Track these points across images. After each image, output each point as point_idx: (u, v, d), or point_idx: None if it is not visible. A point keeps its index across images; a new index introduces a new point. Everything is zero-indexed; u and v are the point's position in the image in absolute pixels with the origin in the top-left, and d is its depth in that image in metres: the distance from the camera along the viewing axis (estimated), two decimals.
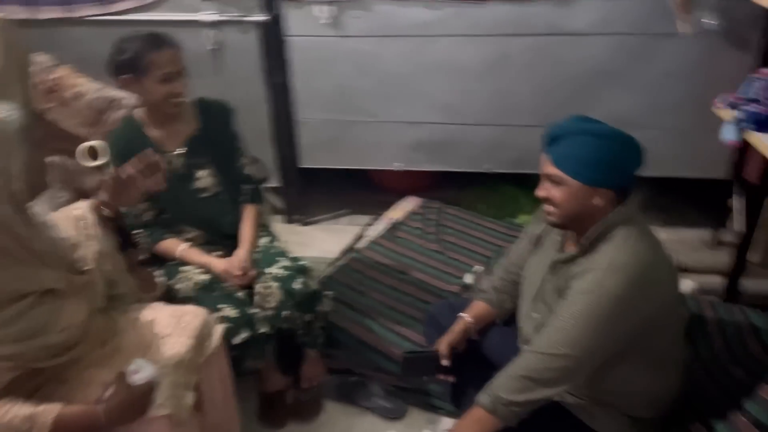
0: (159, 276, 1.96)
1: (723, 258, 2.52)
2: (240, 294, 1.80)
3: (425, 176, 3.03)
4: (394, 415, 1.99)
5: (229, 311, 1.71)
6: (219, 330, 1.66)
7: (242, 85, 2.72)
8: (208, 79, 2.70)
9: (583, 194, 1.38)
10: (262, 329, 1.75)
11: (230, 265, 1.83)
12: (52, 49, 2.56)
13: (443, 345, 1.70)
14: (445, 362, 1.69)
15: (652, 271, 1.38)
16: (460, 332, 1.73)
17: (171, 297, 1.83)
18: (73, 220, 1.68)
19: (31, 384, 1.31)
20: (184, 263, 1.88)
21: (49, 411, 1.19)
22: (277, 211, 3.09)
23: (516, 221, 2.90)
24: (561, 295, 1.46)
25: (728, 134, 1.90)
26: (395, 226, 2.77)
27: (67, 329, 1.34)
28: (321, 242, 2.90)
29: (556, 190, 1.41)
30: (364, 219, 3.04)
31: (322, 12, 2.51)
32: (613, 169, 1.37)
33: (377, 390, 2.05)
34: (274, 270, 1.82)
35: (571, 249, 1.48)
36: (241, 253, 1.88)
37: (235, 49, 2.65)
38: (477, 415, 1.46)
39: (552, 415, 1.46)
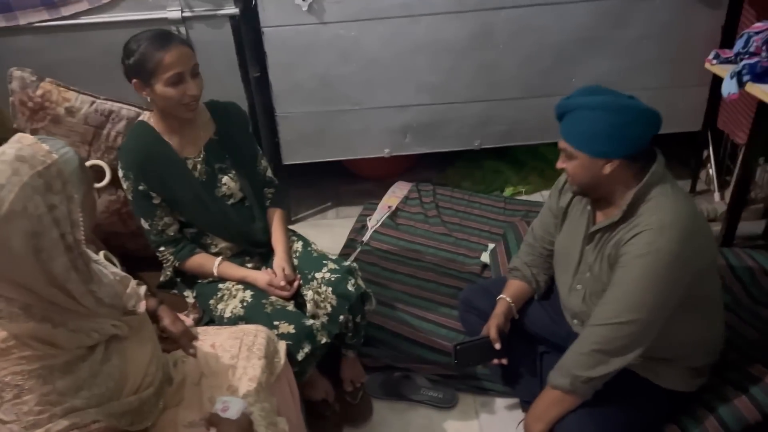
0: (189, 297, 1.83)
1: (707, 205, 2.67)
2: (290, 306, 1.70)
3: (403, 160, 2.98)
4: (447, 404, 1.97)
5: (287, 327, 1.61)
6: (283, 346, 1.56)
7: (218, 83, 2.51)
8: None
9: (591, 165, 1.42)
10: (324, 340, 1.66)
11: (273, 276, 1.73)
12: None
13: (492, 330, 1.69)
14: (498, 346, 1.68)
15: (696, 221, 1.42)
16: (503, 314, 1.73)
17: (213, 320, 1.71)
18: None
19: None
20: (220, 280, 1.76)
21: None
22: None
23: (506, 194, 2.92)
24: (613, 263, 1.47)
25: (730, 88, 1.98)
26: (395, 213, 2.72)
27: (135, 374, 1.22)
28: (314, 239, 2.79)
29: (569, 162, 1.45)
30: (350, 210, 2.97)
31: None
32: (614, 140, 1.39)
33: (423, 381, 2.01)
34: (323, 274, 1.73)
35: (607, 217, 1.50)
36: (281, 262, 1.77)
37: (208, 45, 2.46)
38: (555, 396, 1.48)
39: (618, 378, 1.49)
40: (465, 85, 2.63)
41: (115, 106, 1.79)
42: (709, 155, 2.80)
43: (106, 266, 1.32)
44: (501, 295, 1.78)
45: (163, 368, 1.36)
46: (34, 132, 1.74)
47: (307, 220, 2.97)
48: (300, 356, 1.60)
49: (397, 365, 2.04)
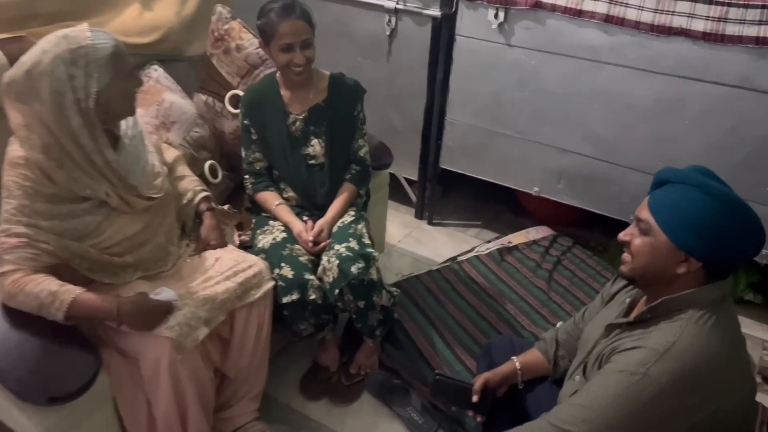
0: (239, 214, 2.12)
1: None
2: (304, 258, 1.87)
3: (572, 209, 2.81)
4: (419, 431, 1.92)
5: (287, 271, 1.80)
6: (268, 285, 1.75)
7: (407, 74, 2.78)
8: (379, 62, 2.82)
9: (667, 254, 1.18)
10: (312, 296, 1.80)
11: (305, 228, 1.92)
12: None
13: (479, 381, 1.59)
14: (475, 398, 1.58)
15: (713, 366, 1.14)
16: (503, 375, 1.60)
17: (251, 245, 1.97)
18: (169, 152, 1.91)
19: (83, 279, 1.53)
20: (274, 218, 2.01)
21: (71, 291, 1.38)
22: (410, 203, 3.12)
23: None
24: (600, 365, 1.28)
25: None
26: (508, 250, 2.62)
27: (113, 238, 1.53)
28: (437, 244, 2.87)
29: (640, 238, 1.22)
30: (492, 236, 2.94)
31: (495, 17, 2.45)
32: (717, 241, 1.14)
33: (415, 401, 1.99)
34: (341, 248, 1.86)
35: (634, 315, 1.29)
36: (323, 223, 1.95)
37: (409, 38, 2.71)
38: None
39: None
40: (636, 149, 2.38)
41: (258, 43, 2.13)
42: None
43: (152, 155, 1.68)
44: (514, 357, 1.67)
45: (158, 253, 1.68)
46: (211, 55, 2.21)
47: (447, 227, 3.04)
48: (286, 300, 1.77)
49: (402, 374, 2.05)
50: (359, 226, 1.98)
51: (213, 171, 2.15)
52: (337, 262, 1.82)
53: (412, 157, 2.93)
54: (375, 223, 2.45)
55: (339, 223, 2.00)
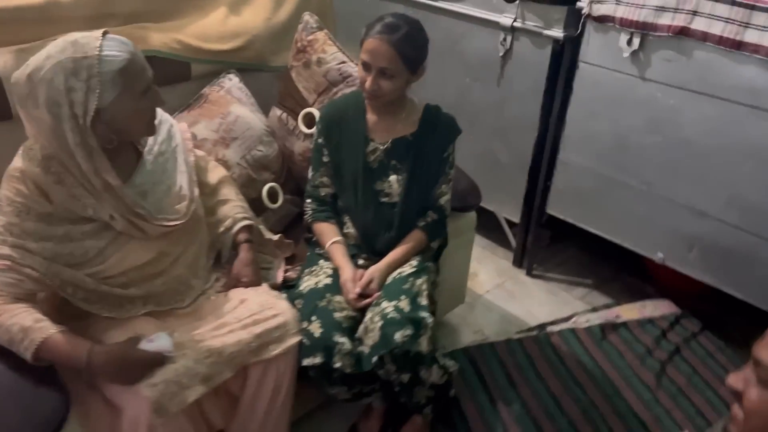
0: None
1: None
2: (341, 315, 1.59)
3: (711, 287, 2.26)
4: None
5: (315, 327, 1.53)
6: (291, 341, 1.49)
7: (519, 102, 2.41)
8: (489, 85, 2.50)
9: None
10: (338, 364, 1.51)
11: (352, 277, 1.64)
12: (359, 17, 2.68)
13: None
14: None
15: None
16: None
17: (294, 285, 1.74)
18: (215, 172, 1.72)
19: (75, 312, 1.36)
20: (327, 257, 1.76)
21: (44, 330, 1.22)
22: (510, 249, 2.73)
23: None
24: None
25: None
26: (614, 326, 2.15)
27: (116, 267, 1.35)
28: (533, 302, 2.46)
29: (759, 390, 0.84)
30: (600, 299, 2.47)
31: (628, 43, 2.01)
32: None
33: None
34: (388, 307, 1.56)
35: None
36: (374, 272, 1.66)
37: (524, 61, 2.35)
38: None
39: None
40: None
41: (356, 73, 1.89)
42: None
43: (181, 175, 1.49)
44: None
45: (174, 287, 1.48)
46: (291, 67, 2.01)
47: (549, 280, 2.61)
48: (306, 362, 1.51)
49: None
50: (419, 281, 1.66)
51: (273, 194, 1.94)
52: (381, 323, 1.52)
53: (515, 196, 2.55)
54: (456, 270, 2.13)
55: (395, 274, 1.69)
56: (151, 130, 1.37)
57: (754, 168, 1.87)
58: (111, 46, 1.22)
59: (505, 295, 2.51)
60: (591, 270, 2.67)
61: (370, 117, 1.72)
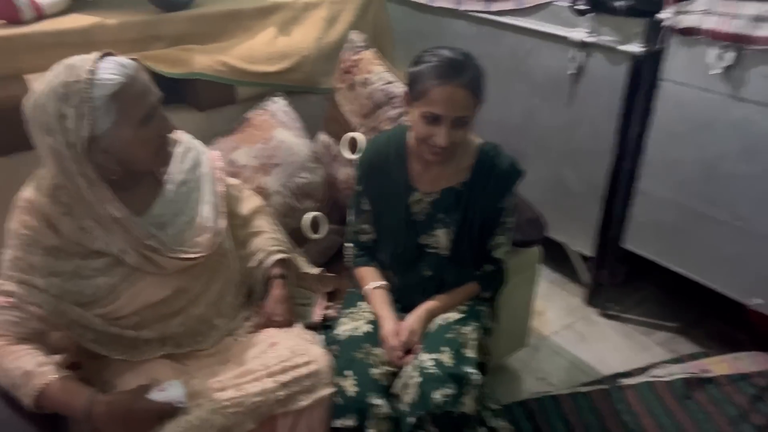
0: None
1: None
2: (378, 372, 1.41)
3: None
4: None
5: (350, 385, 1.36)
6: (324, 392, 1.33)
7: (591, 125, 2.19)
8: (558, 106, 2.29)
9: None
10: (372, 430, 1.35)
11: (394, 331, 1.47)
12: (435, 36, 2.61)
13: None
14: None
15: None
16: None
17: (329, 326, 1.59)
18: (249, 202, 1.60)
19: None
20: (365, 300, 1.60)
21: (45, 375, 1.13)
22: (582, 284, 2.48)
23: None
24: None
25: None
26: (700, 381, 1.87)
27: (128, 306, 1.25)
28: (606, 347, 2.20)
29: None
30: (686, 347, 2.18)
31: (719, 58, 1.76)
32: None
33: None
34: (428, 360, 1.38)
35: None
36: (414, 322, 1.48)
37: (597, 79, 2.13)
38: None
39: None
40: None
41: (402, 93, 1.74)
42: None
43: (206, 206, 1.39)
44: None
45: (195, 327, 1.37)
46: (337, 90, 1.89)
47: (626, 322, 2.33)
48: (338, 423, 1.34)
49: None
50: (466, 330, 1.46)
51: (315, 224, 1.82)
52: (419, 380, 1.35)
53: (587, 227, 2.31)
54: (517, 310, 1.93)
55: (440, 320, 1.51)
56: (163, 159, 1.27)
57: None
58: (106, 68, 1.12)
59: (575, 337, 2.27)
60: (673, 312, 2.37)
61: (414, 164, 1.51)
